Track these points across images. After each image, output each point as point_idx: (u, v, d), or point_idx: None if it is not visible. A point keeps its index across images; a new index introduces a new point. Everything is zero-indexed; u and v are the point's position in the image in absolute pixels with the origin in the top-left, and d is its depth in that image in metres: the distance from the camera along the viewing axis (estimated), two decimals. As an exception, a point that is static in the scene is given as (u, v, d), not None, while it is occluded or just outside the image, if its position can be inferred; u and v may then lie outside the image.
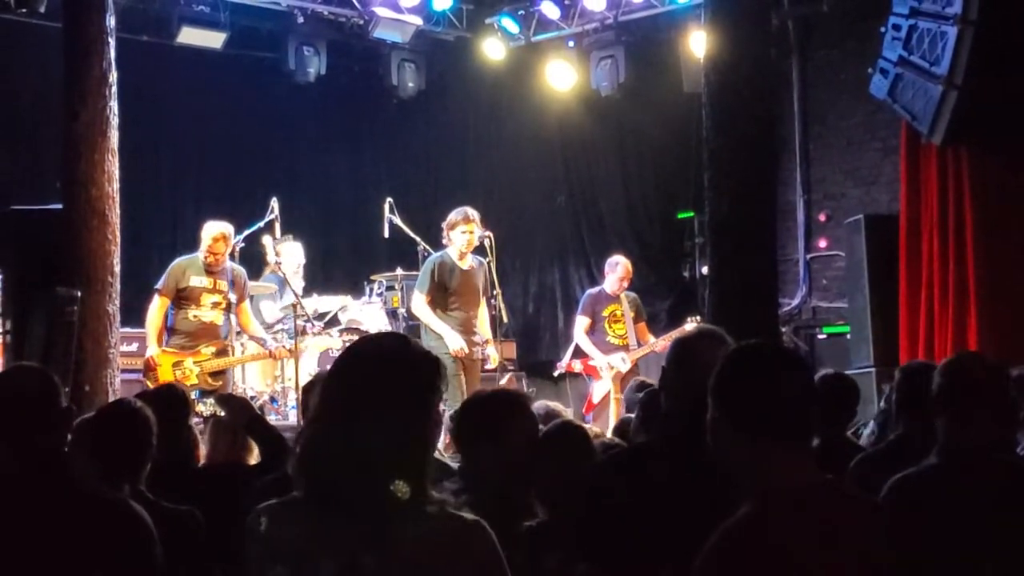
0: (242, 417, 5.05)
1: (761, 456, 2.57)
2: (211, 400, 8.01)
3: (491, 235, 9.59)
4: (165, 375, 8.82)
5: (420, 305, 9.32)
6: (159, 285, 9.01)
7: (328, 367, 2.63)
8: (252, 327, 9.43)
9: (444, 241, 9.48)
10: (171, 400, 4.81)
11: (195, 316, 9.04)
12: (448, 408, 8.28)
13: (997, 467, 3.46)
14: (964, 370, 3.59)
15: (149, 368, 8.92)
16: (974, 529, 3.34)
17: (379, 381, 2.43)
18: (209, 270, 9.03)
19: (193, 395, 8.40)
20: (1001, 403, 3.53)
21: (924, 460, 3.57)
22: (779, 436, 2.57)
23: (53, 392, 3.21)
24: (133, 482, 3.87)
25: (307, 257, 10.85)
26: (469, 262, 9.38)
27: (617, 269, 10.59)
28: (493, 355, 9.50)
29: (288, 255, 10.44)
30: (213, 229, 9.03)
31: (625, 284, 10.59)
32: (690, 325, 10.24)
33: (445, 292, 9.28)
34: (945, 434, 3.53)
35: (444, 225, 9.43)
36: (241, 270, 9.40)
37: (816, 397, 2.66)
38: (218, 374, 9.06)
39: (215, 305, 9.10)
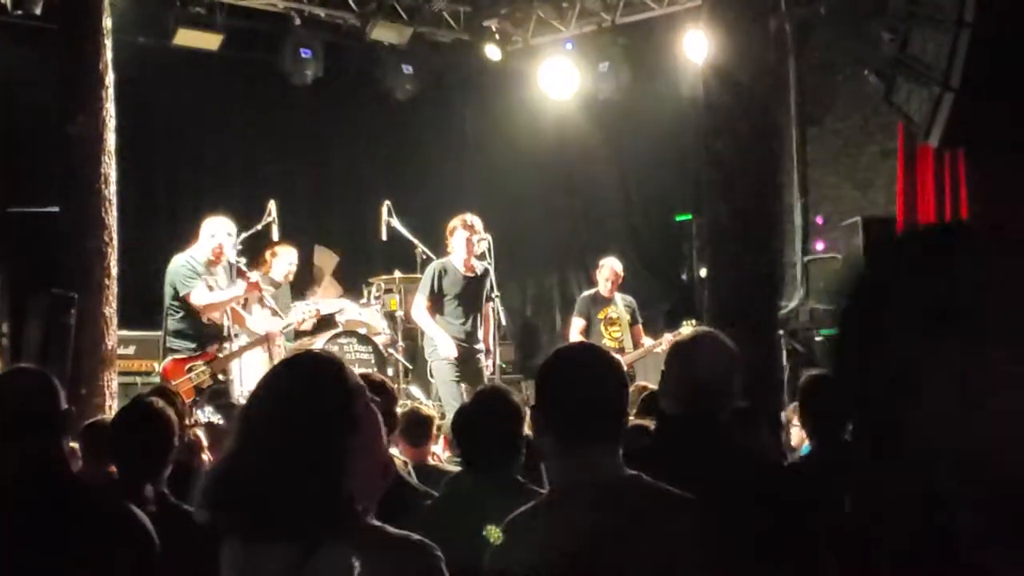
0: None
1: (556, 454, 2.65)
2: (210, 408, 7.99)
3: (489, 238, 9.59)
4: (181, 384, 8.74)
5: (419, 310, 9.35)
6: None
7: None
8: (243, 319, 9.40)
9: (447, 248, 9.49)
10: (170, 401, 4.80)
11: (209, 320, 9.00)
12: (448, 411, 8.35)
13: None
14: None
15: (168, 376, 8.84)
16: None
17: (283, 417, 2.39)
18: (212, 271, 9.00)
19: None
20: None
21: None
22: (568, 436, 2.63)
23: (53, 393, 3.21)
24: (155, 484, 3.85)
25: (304, 260, 10.82)
26: (473, 269, 9.38)
27: (603, 271, 10.62)
28: (490, 365, 9.55)
29: (283, 259, 10.42)
30: (224, 225, 9.03)
31: (611, 285, 10.58)
32: (685, 328, 10.25)
33: (446, 298, 9.31)
34: None
35: (446, 232, 9.45)
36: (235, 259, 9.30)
37: (616, 400, 2.69)
38: (224, 372, 9.04)
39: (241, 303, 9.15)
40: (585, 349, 2.97)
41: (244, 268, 9.12)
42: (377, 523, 2.40)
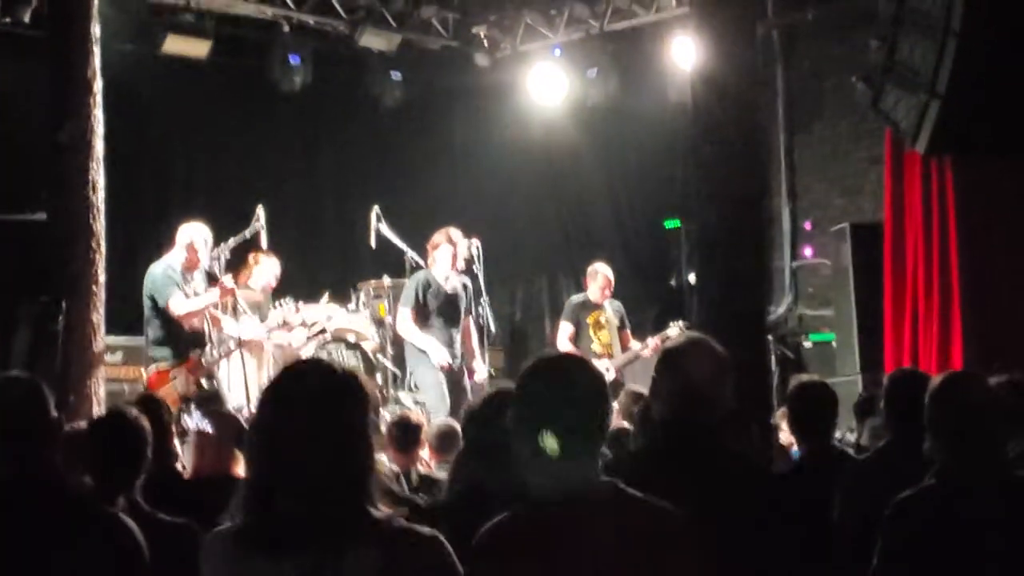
0: (230, 431, 5.05)
1: (534, 464, 2.64)
2: (198, 415, 7.96)
3: (478, 243, 9.62)
4: (166, 391, 8.76)
5: (405, 321, 9.44)
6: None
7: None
8: (220, 321, 9.36)
9: (428, 261, 9.55)
10: (153, 410, 4.79)
11: (190, 327, 8.99)
12: (435, 416, 8.36)
13: (994, 489, 3.47)
14: (960, 398, 3.58)
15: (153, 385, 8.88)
16: (974, 550, 3.35)
17: (310, 416, 2.45)
18: (187, 278, 9.00)
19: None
20: (995, 428, 3.53)
21: (914, 468, 3.58)
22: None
23: (43, 401, 3.21)
24: (128, 493, 3.84)
25: (294, 266, 10.77)
26: (453, 283, 9.47)
27: (597, 278, 10.63)
28: (480, 368, 9.64)
29: (265, 268, 10.35)
30: (201, 231, 9.04)
31: (608, 292, 10.61)
32: (672, 330, 10.27)
33: (428, 310, 9.39)
34: (941, 459, 3.54)
35: (428, 246, 9.52)
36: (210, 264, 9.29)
37: (594, 410, 2.67)
38: (208, 377, 9.04)
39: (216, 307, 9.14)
40: (564, 358, 2.97)
41: (217, 274, 9.13)
42: (388, 519, 2.46)
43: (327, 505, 2.40)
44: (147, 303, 8.91)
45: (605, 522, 2.57)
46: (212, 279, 9.17)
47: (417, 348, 9.44)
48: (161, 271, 8.90)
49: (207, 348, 9.01)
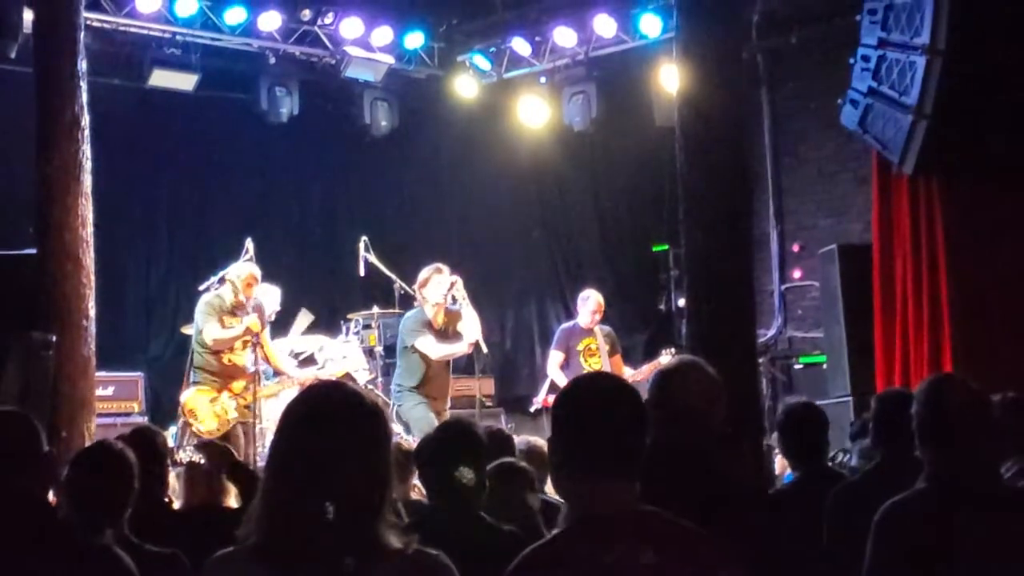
0: (222, 463, 5.04)
1: (573, 487, 2.63)
2: (191, 447, 7.97)
3: (459, 279, 9.53)
4: (204, 415, 8.99)
5: (431, 347, 9.35)
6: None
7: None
8: (275, 359, 9.56)
9: (418, 301, 9.50)
10: (148, 442, 4.78)
11: (229, 360, 9.17)
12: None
13: (984, 494, 3.46)
14: (945, 397, 3.58)
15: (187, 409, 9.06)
16: (964, 555, 3.35)
17: (338, 435, 2.44)
18: (236, 312, 9.09)
19: (170, 442, 8.36)
20: (983, 429, 3.52)
21: (904, 488, 3.58)
22: (585, 469, 2.60)
23: (34, 436, 3.21)
24: (116, 526, 3.83)
25: (282, 297, 10.77)
26: (441, 322, 9.44)
27: (588, 303, 10.63)
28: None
29: (265, 299, 10.37)
30: (246, 271, 9.21)
31: (598, 317, 10.61)
32: (665, 357, 10.27)
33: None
34: (931, 463, 3.53)
35: (416, 286, 9.46)
36: (260, 301, 9.42)
37: (633, 432, 2.64)
38: (249, 407, 9.14)
39: (244, 344, 9.20)
40: (602, 378, 2.94)
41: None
42: (406, 543, 2.47)
43: (351, 524, 2.39)
44: (195, 327, 9.21)
45: (639, 548, 2.52)
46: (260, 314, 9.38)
47: (404, 385, 9.40)
48: (209, 299, 9.21)
49: (247, 383, 9.15)
